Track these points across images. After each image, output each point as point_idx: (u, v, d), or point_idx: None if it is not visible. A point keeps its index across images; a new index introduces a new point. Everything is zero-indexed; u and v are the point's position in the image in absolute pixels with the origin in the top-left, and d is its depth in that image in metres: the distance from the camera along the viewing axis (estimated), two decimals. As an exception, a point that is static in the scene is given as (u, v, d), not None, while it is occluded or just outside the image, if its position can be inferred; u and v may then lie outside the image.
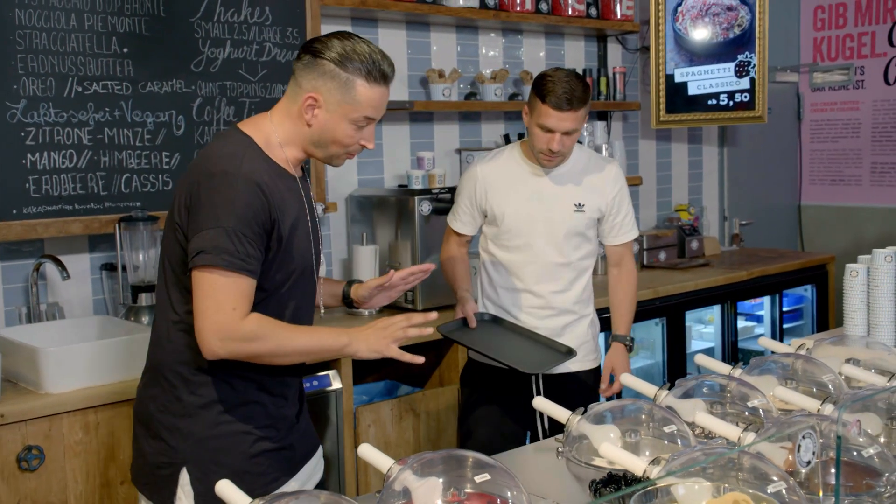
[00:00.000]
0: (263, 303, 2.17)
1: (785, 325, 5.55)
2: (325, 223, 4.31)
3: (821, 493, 1.68)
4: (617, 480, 1.68)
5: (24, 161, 3.25)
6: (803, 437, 1.43)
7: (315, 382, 3.36)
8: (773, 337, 5.37)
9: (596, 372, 3.34)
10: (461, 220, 3.27)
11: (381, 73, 2.17)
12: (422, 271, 2.52)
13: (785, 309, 5.55)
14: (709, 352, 5.21)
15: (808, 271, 5.53)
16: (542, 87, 2.98)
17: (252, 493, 2.02)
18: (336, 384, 3.43)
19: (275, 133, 2.24)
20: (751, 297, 5.30)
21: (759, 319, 5.59)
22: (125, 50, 3.43)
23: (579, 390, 3.22)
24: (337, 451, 3.46)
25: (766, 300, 5.45)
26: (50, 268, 3.46)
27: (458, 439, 3.40)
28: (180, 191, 2.17)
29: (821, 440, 2.01)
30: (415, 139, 4.63)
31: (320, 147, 2.24)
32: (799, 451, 1.42)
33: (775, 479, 1.72)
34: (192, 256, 2.05)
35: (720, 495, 1.65)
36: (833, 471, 1.96)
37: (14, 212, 3.25)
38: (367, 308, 2.63)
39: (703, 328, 5.34)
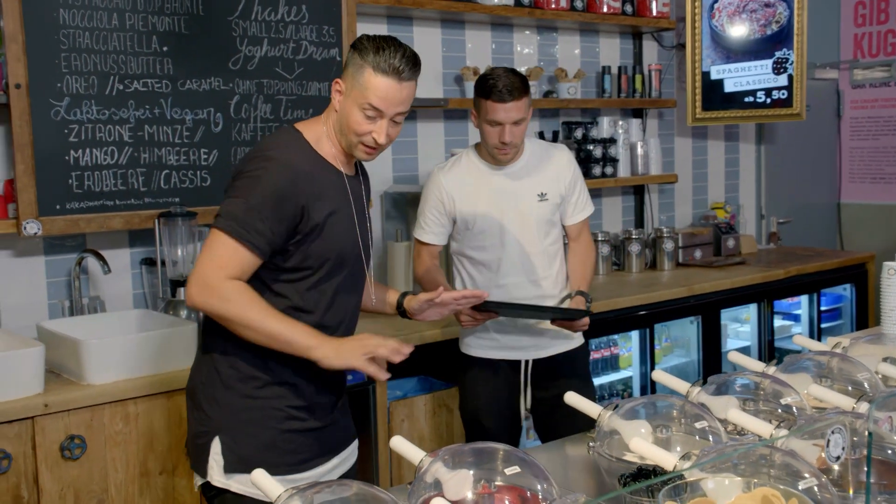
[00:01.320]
0: (302, 283, 2.32)
1: (823, 325, 5.51)
2: (361, 220, 4.35)
3: (851, 491, 1.68)
4: (647, 474, 1.69)
5: (67, 157, 3.32)
6: (832, 433, 1.43)
7: (350, 376, 3.39)
8: (811, 336, 5.34)
9: (583, 349, 3.44)
10: (432, 232, 3.28)
11: (390, 65, 2.24)
12: (474, 296, 2.70)
13: (823, 308, 5.50)
14: (745, 350, 5.18)
15: (847, 270, 5.48)
16: (483, 85, 3.13)
17: (278, 470, 2.16)
18: (370, 379, 3.46)
19: (326, 131, 2.38)
20: (788, 295, 5.27)
21: (796, 318, 5.54)
22: (165, 48, 3.49)
23: (572, 368, 3.33)
24: (371, 445, 3.49)
25: (804, 299, 5.41)
26: (92, 262, 3.54)
27: (465, 427, 3.44)
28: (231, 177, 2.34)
29: (854, 438, 2.02)
30: (449, 136, 4.65)
31: (342, 135, 2.34)
32: (828, 446, 1.43)
33: (807, 475, 1.72)
34: (214, 217, 2.24)
35: (750, 490, 1.66)
36: (865, 469, 1.97)
37: (57, 207, 3.31)
38: (420, 320, 2.71)
39: (739, 327, 5.31)
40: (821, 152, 6.46)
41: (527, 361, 3.28)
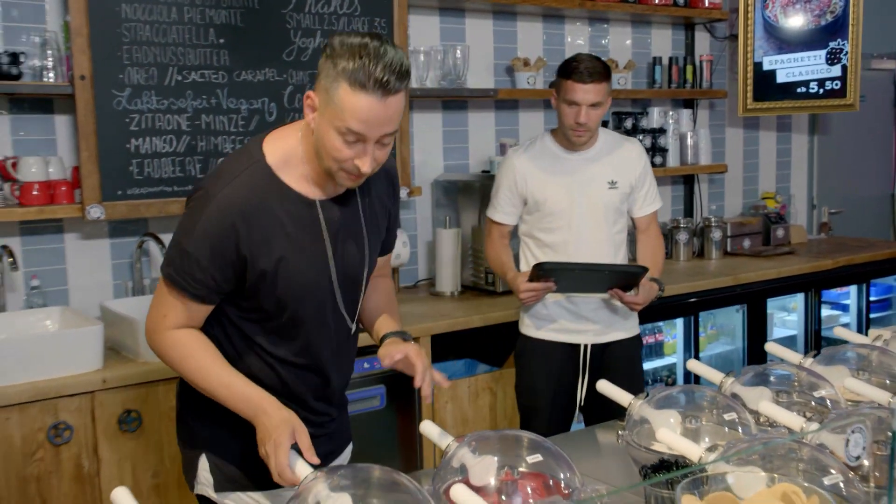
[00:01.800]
0: (267, 323, 2.01)
1: (872, 315, 5.37)
2: (411, 206, 4.34)
3: (872, 485, 1.62)
4: (668, 466, 1.65)
5: (128, 145, 3.36)
6: (853, 432, 1.38)
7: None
8: (859, 327, 5.21)
9: (636, 339, 3.41)
10: (504, 211, 3.29)
11: (371, 78, 1.74)
12: (436, 382, 2.18)
13: (873, 299, 5.36)
14: (791, 339, 5.08)
15: (896, 261, 5.33)
16: (566, 66, 3.13)
17: (269, 484, 1.95)
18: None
19: (299, 147, 1.95)
20: (836, 285, 5.14)
21: (845, 308, 5.41)
22: (221, 41, 3.50)
23: (623, 357, 3.32)
24: (415, 427, 3.49)
25: (853, 289, 5.28)
26: (152, 245, 3.58)
27: (520, 411, 3.42)
28: None
29: (889, 433, 1.95)
30: (500, 126, 4.62)
31: (319, 158, 1.89)
32: (848, 445, 1.37)
33: (833, 471, 1.66)
34: None
35: (773, 485, 1.61)
36: (889, 466, 1.90)
37: (119, 192, 3.36)
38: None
39: (787, 316, 5.20)
40: (876, 143, 6.31)
41: (585, 346, 3.27)
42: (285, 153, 1.95)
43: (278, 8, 3.59)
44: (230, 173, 1.91)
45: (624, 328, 3.33)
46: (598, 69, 3.10)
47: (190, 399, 2.09)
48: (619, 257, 3.29)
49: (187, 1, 3.41)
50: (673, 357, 4.58)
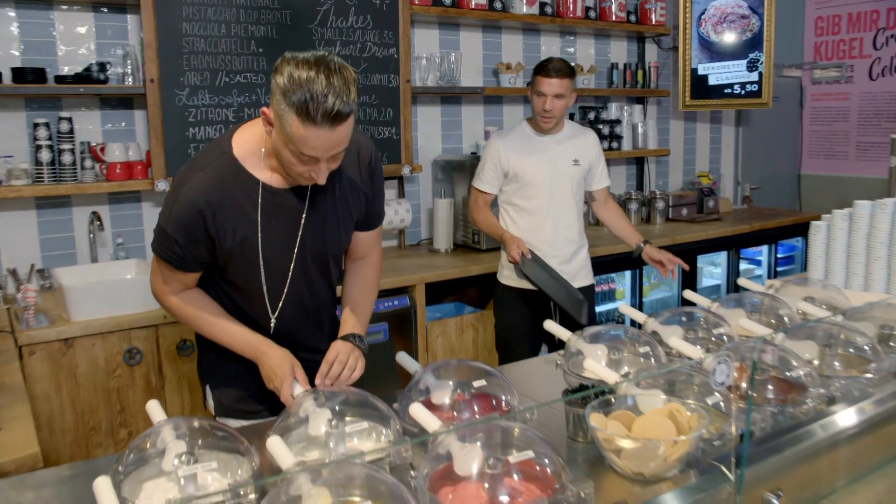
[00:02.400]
0: (244, 291, 1.87)
1: (779, 269, 5.29)
2: (414, 181, 4.28)
3: (736, 406, 1.57)
4: (586, 389, 1.61)
5: (187, 133, 3.31)
6: (719, 363, 1.33)
7: (396, 302, 3.36)
8: (769, 277, 5.13)
9: (591, 287, 3.38)
10: (488, 182, 3.23)
11: (321, 112, 1.51)
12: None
13: (779, 255, 5.28)
14: (716, 288, 5.01)
15: (799, 227, 5.23)
16: (539, 65, 3.13)
17: (261, 415, 1.92)
18: (413, 304, 3.43)
19: (262, 139, 1.74)
20: (751, 245, 5.05)
21: (758, 263, 5.33)
22: (260, 50, 3.43)
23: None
24: (413, 355, 3.46)
25: (765, 248, 5.19)
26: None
27: (497, 345, 3.38)
28: None
29: (767, 361, 1.91)
30: (487, 117, 4.53)
31: (279, 162, 1.69)
32: (714, 373, 1.33)
33: (716, 392, 1.62)
34: None
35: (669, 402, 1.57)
36: (770, 386, 1.86)
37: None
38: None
39: (714, 269, 5.12)
40: (787, 134, 6.21)
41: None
42: (251, 146, 1.75)
43: (305, 23, 3.51)
44: (199, 165, 1.74)
45: (584, 279, 3.30)
46: (563, 68, 3.09)
47: (199, 343, 2.03)
48: (578, 219, 3.27)
49: (234, 19, 3.34)
50: (623, 301, 4.53)
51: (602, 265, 4.13)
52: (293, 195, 1.80)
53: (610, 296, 4.51)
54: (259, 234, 1.78)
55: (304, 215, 1.82)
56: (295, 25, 3.47)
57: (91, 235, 3.29)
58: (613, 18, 4.72)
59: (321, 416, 1.51)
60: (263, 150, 1.74)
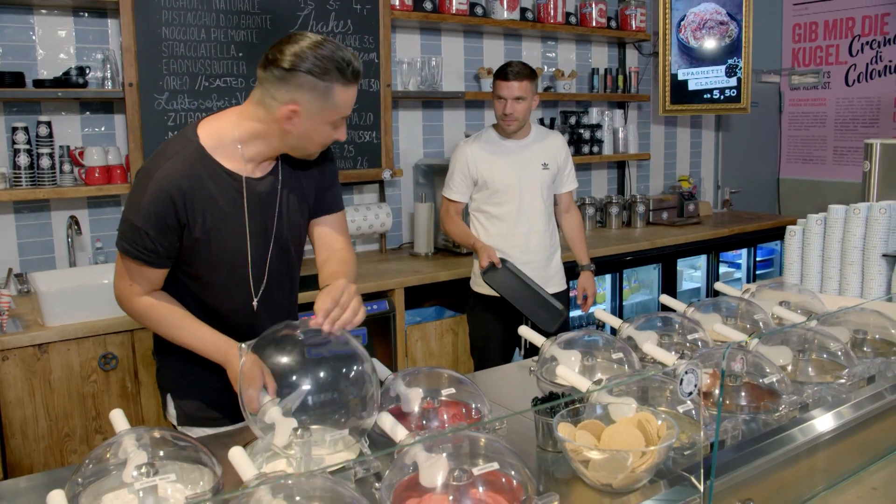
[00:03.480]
0: (202, 290, 1.81)
1: (758, 272, 5.27)
2: (396, 185, 4.23)
3: (708, 413, 1.53)
4: (556, 397, 1.56)
5: (165, 137, 3.24)
6: (686, 373, 1.29)
7: (375, 306, 3.31)
8: (749, 281, 5.12)
9: (566, 293, 3.34)
10: (458, 191, 3.15)
11: (353, 72, 1.66)
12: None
13: (758, 258, 5.26)
14: (696, 291, 4.98)
15: (778, 230, 5.21)
16: (498, 69, 3.06)
17: (222, 423, 1.85)
18: (392, 308, 3.38)
19: (235, 131, 1.73)
20: (731, 248, 5.03)
21: (738, 267, 5.31)
22: (240, 54, 3.37)
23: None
24: (392, 360, 3.42)
25: (744, 251, 5.17)
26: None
27: (472, 351, 3.33)
28: None
29: (738, 367, 1.87)
30: (468, 121, 4.49)
31: (298, 149, 1.75)
32: (682, 384, 1.29)
33: (688, 402, 1.58)
34: None
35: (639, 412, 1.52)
36: (743, 393, 1.82)
37: (161, 174, 3.25)
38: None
39: (694, 272, 5.10)
40: (766, 138, 6.21)
41: None
42: (219, 136, 1.73)
43: (285, 28, 3.45)
44: (167, 153, 1.71)
45: (557, 284, 3.24)
46: (522, 71, 3.01)
47: (160, 350, 1.94)
48: (550, 224, 3.20)
49: (213, 24, 3.28)
50: (603, 305, 4.49)
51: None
52: (267, 185, 1.80)
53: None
54: (226, 223, 1.75)
55: (277, 205, 1.81)
56: (275, 30, 3.41)
57: (69, 240, 3.22)
58: (594, 24, 4.69)
59: (286, 426, 1.46)
60: (239, 143, 1.73)
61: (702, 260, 4.93)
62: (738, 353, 1.70)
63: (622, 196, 5.16)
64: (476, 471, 1.24)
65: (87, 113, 3.31)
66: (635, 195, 5.10)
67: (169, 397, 1.94)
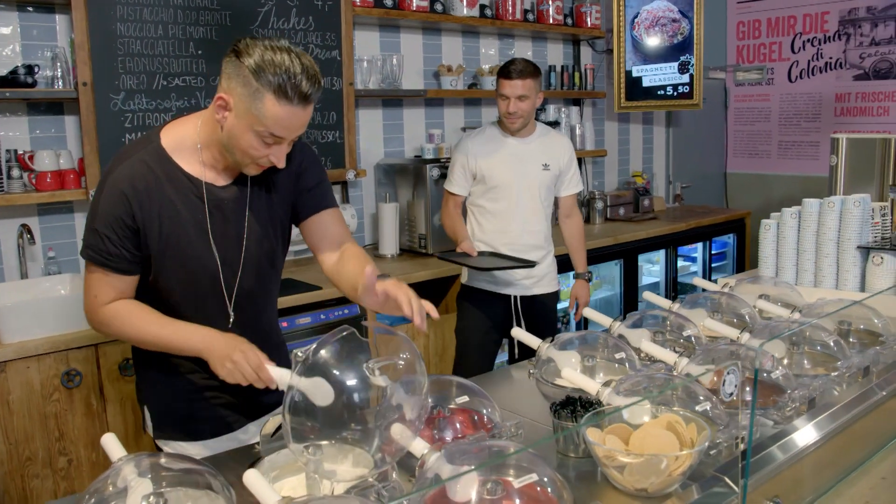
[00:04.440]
0: (174, 310, 1.69)
1: (714, 265, 5.37)
2: (358, 185, 4.14)
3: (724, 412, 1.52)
4: (573, 402, 1.52)
5: (123, 139, 3.09)
6: (728, 373, 1.27)
7: (346, 311, 3.23)
8: (704, 274, 5.21)
9: (556, 294, 3.31)
10: (458, 184, 3.12)
11: (296, 90, 1.50)
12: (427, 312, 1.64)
13: (713, 252, 5.36)
14: (655, 286, 5.04)
15: (731, 223, 5.33)
16: (502, 67, 3.00)
17: (200, 436, 1.78)
18: (363, 311, 3.30)
19: (196, 134, 1.64)
20: (688, 243, 5.10)
21: (693, 260, 5.39)
22: (200, 52, 3.23)
23: (543, 309, 3.23)
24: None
25: (700, 245, 5.25)
26: (147, 221, 3.33)
27: (457, 343, 3.27)
28: None
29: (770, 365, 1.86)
30: (428, 119, 4.42)
31: (230, 152, 1.60)
32: (724, 384, 1.26)
33: (702, 398, 1.57)
34: None
35: (656, 415, 1.50)
36: (748, 389, 1.82)
37: (117, 178, 3.10)
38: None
39: (652, 267, 5.16)
40: (713, 134, 6.33)
41: (515, 297, 3.14)
42: (181, 139, 1.65)
43: (246, 24, 3.33)
44: (125, 155, 1.64)
45: (548, 285, 3.22)
46: (525, 69, 2.96)
47: (137, 361, 1.84)
48: (546, 225, 3.16)
49: (171, 20, 3.13)
50: (566, 302, 4.46)
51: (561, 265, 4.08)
52: (233, 193, 1.69)
53: (555, 297, 4.46)
54: (185, 228, 1.65)
55: (246, 215, 1.71)
56: (235, 27, 3.29)
57: (20, 249, 3.03)
58: (551, 21, 4.69)
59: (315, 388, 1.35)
60: (199, 144, 1.64)
61: (660, 255, 4.99)
62: (769, 352, 1.69)
63: (580, 193, 5.17)
64: (516, 483, 1.18)
65: (36, 115, 3.11)
66: (593, 191, 5.13)
67: (146, 410, 1.84)
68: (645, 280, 4.99)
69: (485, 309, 3.14)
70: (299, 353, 1.34)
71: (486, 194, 3.08)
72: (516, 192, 3.05)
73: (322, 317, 3.12)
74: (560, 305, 4.43)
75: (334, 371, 1.37)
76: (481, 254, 2.99)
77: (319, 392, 1.35)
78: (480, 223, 3.12)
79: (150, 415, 1.83)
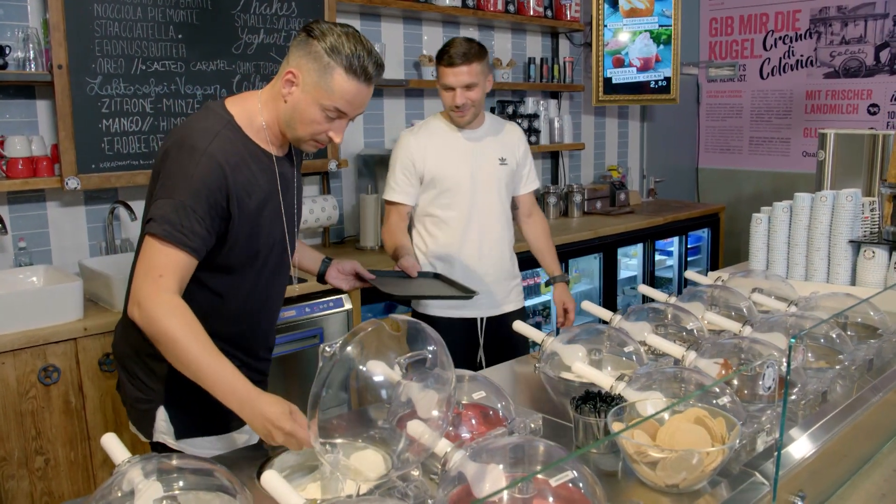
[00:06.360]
0: (228, 275, 1.70)
1: (689, 258, 5.41)
2: (339, 176, 4.07)
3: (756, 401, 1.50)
4: (593, 397, 1.49)
5: (100, 126, 2.97)
6: (767, 367, 1.24)
7: (331, 304, 3.16)
8: (681, 267, 5.24)
9: (523, 310, 2.91)
10: (403, 192, 2.64)
11: (362, 68, 1.59)
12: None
13: (689, 246, 5.39)
14: (633, 279, 5.06)
15: (705, 218, 5.37)
16: (440, 52, 2.56)
17: (228, 427, 1.77)
18: (348, 305, 3.23)
19: (260, 113, 1.69)
20: (665, 237, 5.12)
21: (669, 254, 5.42)
22: (180, 36, 3.12)
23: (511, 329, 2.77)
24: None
25: (676, 239, 5.28)
26: (122, 211, 3.22)
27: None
28: (157, 156, 1.68)
29: (743, 356, 1.85)
30: (409, 110, 4.36)
31: (290, 127, 1.66)
32: (763, 378, 1.24)
33: (717, 390, 1.54)
34: (144, 222, 1.61)
35: (673, 408, 1.47)
36: (760, 383, 1.80)
37: (93, 166, 2.98)
38: (331, 283, 2.12)
39: (629, 261, 5.17)
40: (685, 129, 6.38)
41: (481, 319, 2.77)
42: (248, 115, 1.69)
43: (228, 9, 3.22)
44: (210, 130, 1.62)
45: (515, 301, 2.85)
46: (469, 51, 2.50)
47: (141, 358, 1.75)
48: (509, 230, 2.79)
49: (150, 2, 3.02)
50: (547, 295, 4.48)
51: (527, 261, 4.01)
52: (287, 165, 1.80)
53: (535, 290, 4.46)
54: (268, 202, 1.72)
55: (289, 184, 1.79)
56: (216, 11, 3.18)
57: (-10, 240, 2.90)
58: (531, 13, 4.66)
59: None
60: (264, 122, 1.70)
61: (637, 248, 5.00)
62: (800, 345, 1.67)
63: (558, 186, 5.16)
64: (553, 481, 1.14)
65: (5, 98, 2.97)
66: (571, 185, 5.12)
67: (161, 410, 1.74)
68: (623, 274, 5.00)
69: (447, 336, 2.71)
70: (326, 349, 1.28)
71: (438, 200, 2.65)
72: (473, 194, 2.64)
73: (307, 310, 3.04)
74: (536, 298, 4.43)
75: (361, 367, 1.31)
76: (422, 274, 2.43)
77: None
78: (433, 235, 2.69)
79: (165, 416, 1.75)
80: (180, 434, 1.74)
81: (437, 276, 2.44)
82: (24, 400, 2.46)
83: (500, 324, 2.77)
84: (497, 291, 2.76)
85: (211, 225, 1.59)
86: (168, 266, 1.52)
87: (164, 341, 1.48)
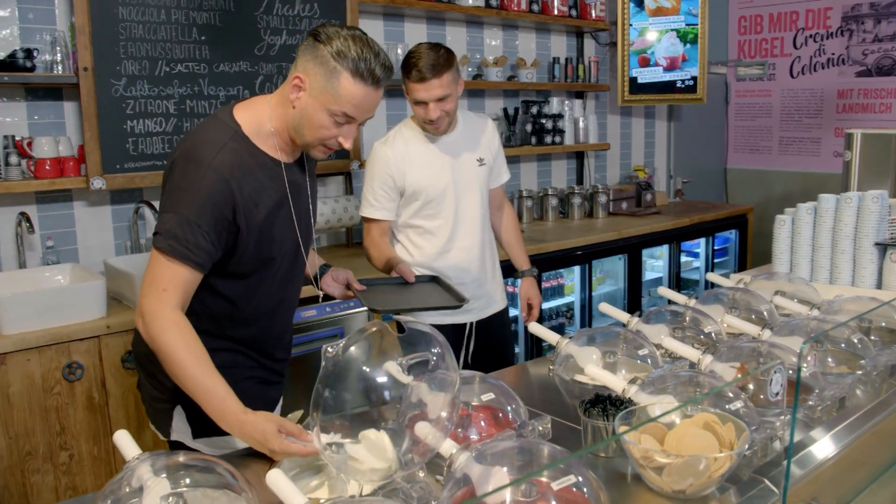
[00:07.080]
0: (240, 281, 1.70)
1: (716, 260, 5.34)
2: (361, 177, 4.07)
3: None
4: (602, 400, 1.48)
5: (125, 126, 3.02)
6: (775, 372, 1.22)
7: (352, 304, 3.17)
8: (707, 269, 5.18)
9: (506, 310, 2.85)
10: (383, 207, 2.53)
11: (369, 72, 1.57)
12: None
13: (716, 247, 5.33)
14: (658, 281, 5.01)
15: (733, 219, 5.29)
16: (405, 65, 2.41)
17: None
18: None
19: (269, 120, 1.67)
20: (691, 238, 5.06)
21: (696, 256, 5.36)
22: (203, 38, 3.16)
23: (500, 329, 2.79)
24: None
25: (703, 241, 5.22)
26: (146, 211, 3.27)
27: None
28: (166, 166, 1.67)
29: (761, 360, 1.82)
30: (390, 111, 4.33)
31: (298, 133, 1.65)
32: (770, 384, 1.22)
33: (731, 395, 1.52)
34: (152, 235, 1.61)
35: (683, 413, 1.45)
36: (770, 388, 1.77)
37: (118, 167, 3.03)
38: (324, 290, 2.07)
39: (655, 262, 5.12)
40: (713, 129, 6.31)
41: (470, 324, 2.69)
42: (257, 123, 1.68)
43: (251, 10, 3.26)
44: (216, 143, 1.61)
45: (500, 301, 2.78)
46: (437, 62, 2.36)
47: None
48: (490, 232, 2.73)
49: (174, 4, 3.06)
50: (571, 296, 4.45)
51: (551, 261, 4.05)
52: (297, 171, 1.78)
53: (559, 291, 4.43)
54: (276, 210, 1.70)
55: (299, 190, 1.78)
56: (239, 12, 3.22)
57: (19, 238, 2.96)
58: (556, 13, 4.63)
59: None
60: (272, 129, 1.68)
61: (663, 250, 4.95)
62: (812, 349, 1.64)
63: (583, 186, 5.13)
64: (555, 485, 1.14)
65: (34, 100, 3.04)
66: (596, 185, 5.09)
67: (178, 410, 1.76)
68: (648, 275, 4.95)
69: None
70: (329, 350, 1.29)
71: (422, 211, 2.55)
72: (456, 201, 2.57)
73: (328, 310, 3.06)
74: (559, 300, 4.41)
75: (364, 368, 1.32)
76: (419, 279, 2.31)
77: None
78: (418, 245, 2.61)
79: (184, 415, 1.76)
80: (197, 433, 1.75)
81: (433, 279, 2.33)
82: (49, 396, 2.51)
83: (487, 324, 2.74)
84: (486, 294, 2.71)
85: (216, 239, 1.59)
86: (172, 280, 1.54)
87: (162, 356, 1.52)
